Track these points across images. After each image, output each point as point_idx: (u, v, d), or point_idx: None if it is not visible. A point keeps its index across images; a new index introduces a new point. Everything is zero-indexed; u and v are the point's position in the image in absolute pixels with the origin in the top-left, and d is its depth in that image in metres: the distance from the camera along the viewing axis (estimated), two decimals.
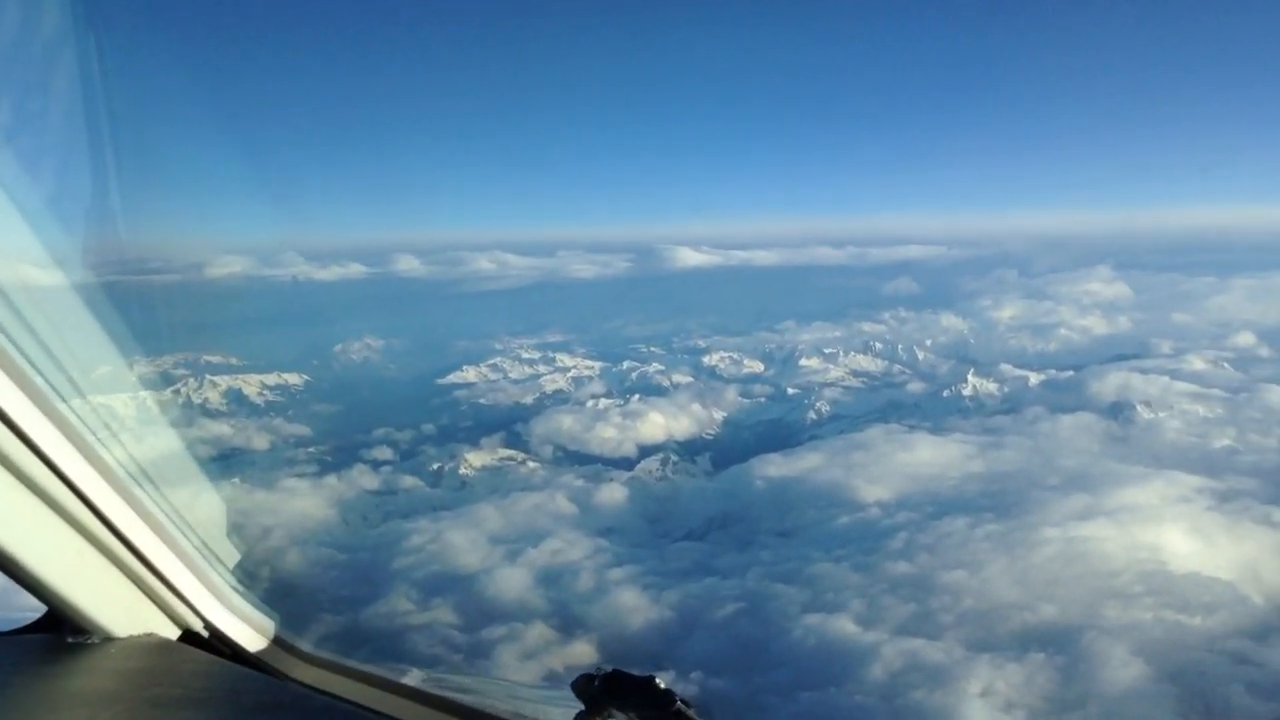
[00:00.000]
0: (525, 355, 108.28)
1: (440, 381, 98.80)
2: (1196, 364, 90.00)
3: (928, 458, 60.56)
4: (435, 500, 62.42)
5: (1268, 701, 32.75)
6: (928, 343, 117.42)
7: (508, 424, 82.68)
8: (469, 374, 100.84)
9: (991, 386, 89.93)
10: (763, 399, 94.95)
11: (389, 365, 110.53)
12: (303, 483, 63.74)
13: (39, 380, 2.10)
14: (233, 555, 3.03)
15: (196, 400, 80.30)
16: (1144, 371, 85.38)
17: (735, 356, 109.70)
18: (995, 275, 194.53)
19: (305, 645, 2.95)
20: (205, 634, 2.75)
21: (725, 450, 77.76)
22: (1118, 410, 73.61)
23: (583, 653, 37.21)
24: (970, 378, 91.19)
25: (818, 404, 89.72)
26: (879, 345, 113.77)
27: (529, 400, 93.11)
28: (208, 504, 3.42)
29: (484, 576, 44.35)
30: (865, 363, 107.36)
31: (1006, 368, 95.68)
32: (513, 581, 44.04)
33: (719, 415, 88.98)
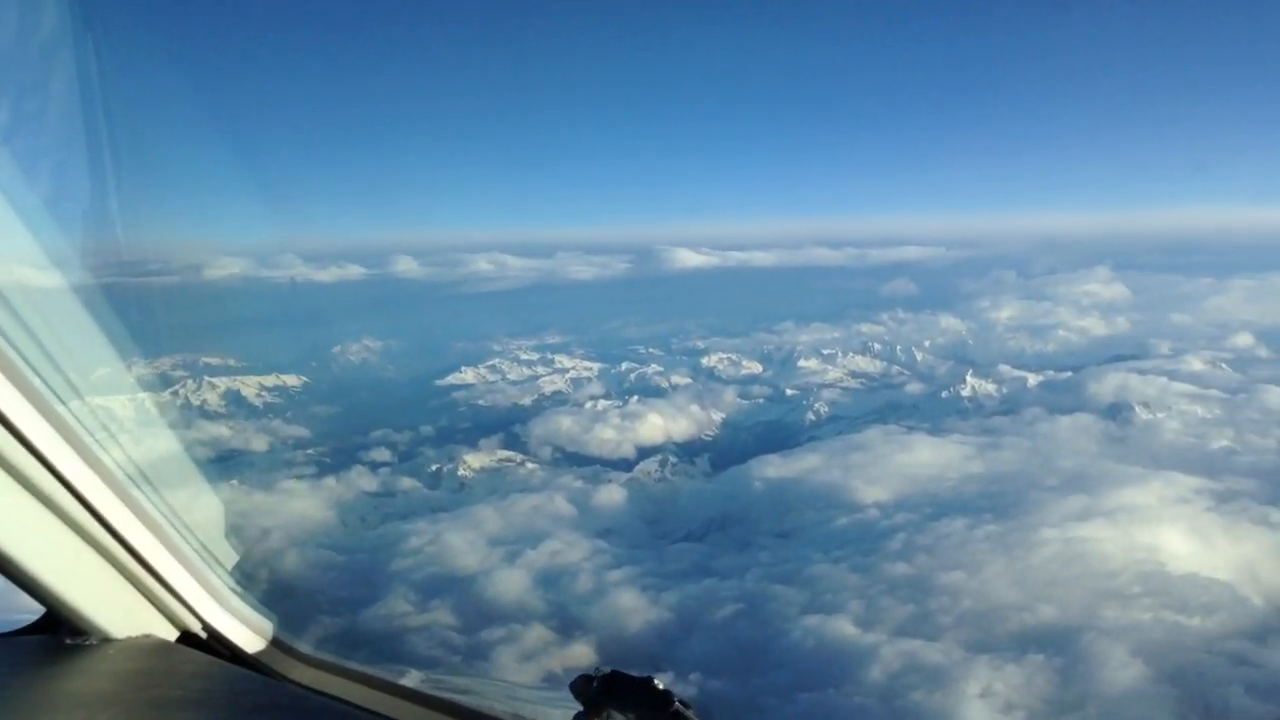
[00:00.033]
0: (524, 357, 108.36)
1: (439, 383, 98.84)
2: (1195, 365, 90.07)
3: (926, 459, 60.54)
4: (434, 502, 62.43)
5: (1266, 702, 32.74)
6: (926, 344, 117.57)
7: (506, 425, 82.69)
8: (467, 375, 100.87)
9: (990, 387, 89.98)
10: (761, 400, 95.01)
11: (387, 367, 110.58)
12: (301, 484, 63.76)
13: (37, 382, 2.10)
14: (231, 557, 3.03)
15: (195, 402, 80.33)
16: (1142, 372, 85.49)
17: (734, 358, 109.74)
18: (993, 276, 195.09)
19: (303, 646, 2.95)
20: (203, 635, 2.75)
21: (724, 451, 77.76)
22: (1116, 411, 73.58)
23: (581, 654, 37.18)
24: (969, 379, 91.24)
25: (816, 405, 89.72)
26: (877, 346, 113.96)
27: (527, 401, 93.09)
28: (206, 505, 3.42)
29: (483, 578, 44.34)
30: (864, 364, 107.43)
31: (1005, 368, 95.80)
32: (511, 583, 44.03)
33: (717, 416, 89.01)
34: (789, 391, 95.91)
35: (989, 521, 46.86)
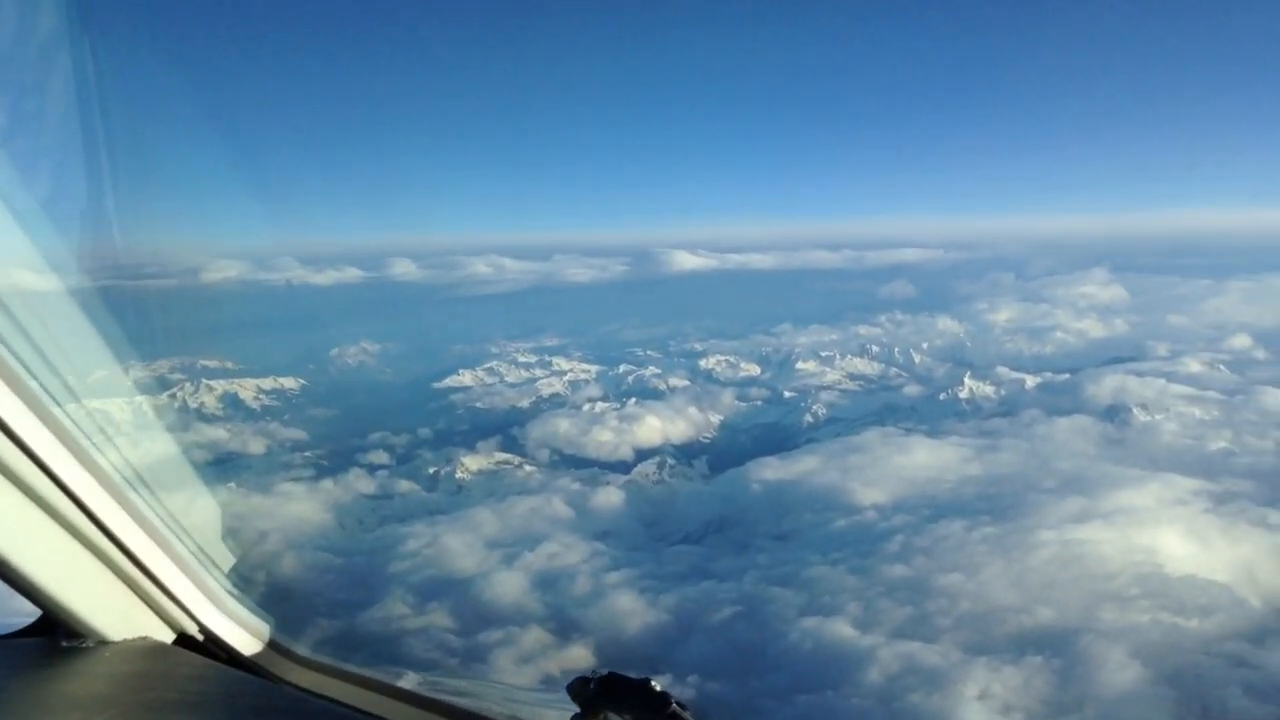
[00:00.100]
0: (521, 359, 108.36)
1: (436, 385, 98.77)
2: (1193, 366, 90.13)
3: (924, 460, 60.55)
4: (431, 504, 62.33)
5: (1265, 704, 32.76)
6: (924, 346, 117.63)
7: (504, 428, 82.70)
8: (465, 378, 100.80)
9: (988, 389, 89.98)
10: (759, 402, 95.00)
11: (385, 369, 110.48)
12: (299, 487, 63.72)
13: (34, 385, 2.10)
14: (228, 559, 3.03)
15: (192, 404, 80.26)
16: (1140, 374, 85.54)
17: (731, 360, 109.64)
18: (991, 278, 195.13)
19: (301, 649, 2.95)
20: (200, 638, 2.75)
21: (722, 453, 77.69)
22: (1114, 413, 73.63)
23: (579, 656, 37.18)
24: (966, 380, 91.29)
25: (814, 407, 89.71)
26: (875, 348, 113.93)
27: (525, 404, 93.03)
28: (203, 508, 3.42)
29: (480, 580, 44.31)
30: (862, 366, 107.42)
31: (1003, 370, 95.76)
32: (509, 585, 44.01)
33: (715, 418, 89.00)
34: (787, 394, 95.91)
35: (987, 523, 46.87)
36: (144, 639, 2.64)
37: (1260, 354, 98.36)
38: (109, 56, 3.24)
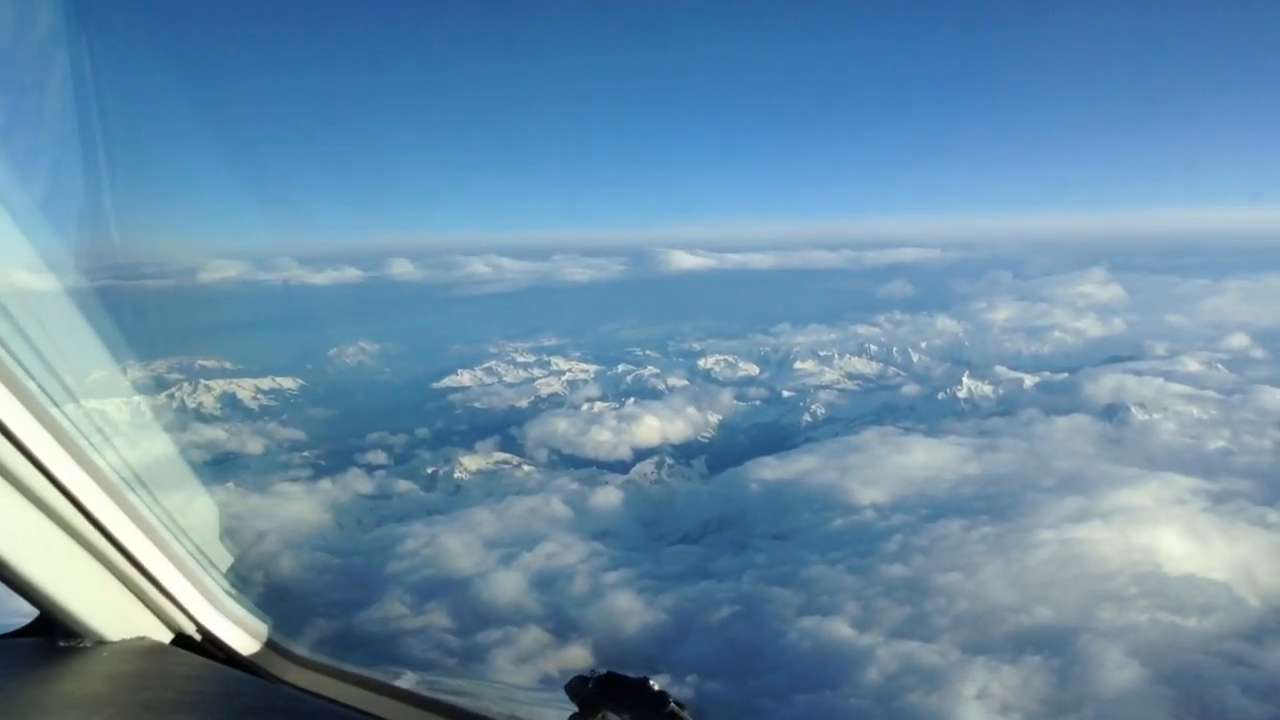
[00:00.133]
0: (520, 359, 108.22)
1: (435, 385, 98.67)
2: (1191, 365, 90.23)
3: (923, 460, 60.59)
4: (430, 504, 62.31)
5: (1263, 703, 32.81)
6: (922, 345, 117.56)
7: (502, 428, 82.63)
8: (464, 378, 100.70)
9: (986, 389, 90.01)
10: (758, 402, 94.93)
11: (383, 369, 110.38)
12: (297, 487, 63.71)
13: (32, 385, 2.10)
14: (226, 559, 3.03)
15: (191, 404, 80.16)
16: (1138, 373, 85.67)
17: (730, 359, 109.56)
18: (989, 278, 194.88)
19: (299, 649, 2.95)
20: (198, 637, 2.75)
21: (720, 453, 77.64)
22: (1112, 412, 73.69)
23: (578, 656, 37.17)
24: (965, 380, 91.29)
25: (813, 407, 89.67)
26: (874, 348, 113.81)
27: (524, 404, 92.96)
28: (201, 508, 3.42)
29: (479, 580, 44.30)
30: (860, 365, 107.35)
31: (1001, 370, 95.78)
32: (507, 585, 44.00)
33: (714, 418, 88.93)
34: (785, 393, 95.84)
35: (985, 523, 46.90)
36: (142, 639, 2.64)
37: (1258, 353, 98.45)
38: (106, 55, 3.24)
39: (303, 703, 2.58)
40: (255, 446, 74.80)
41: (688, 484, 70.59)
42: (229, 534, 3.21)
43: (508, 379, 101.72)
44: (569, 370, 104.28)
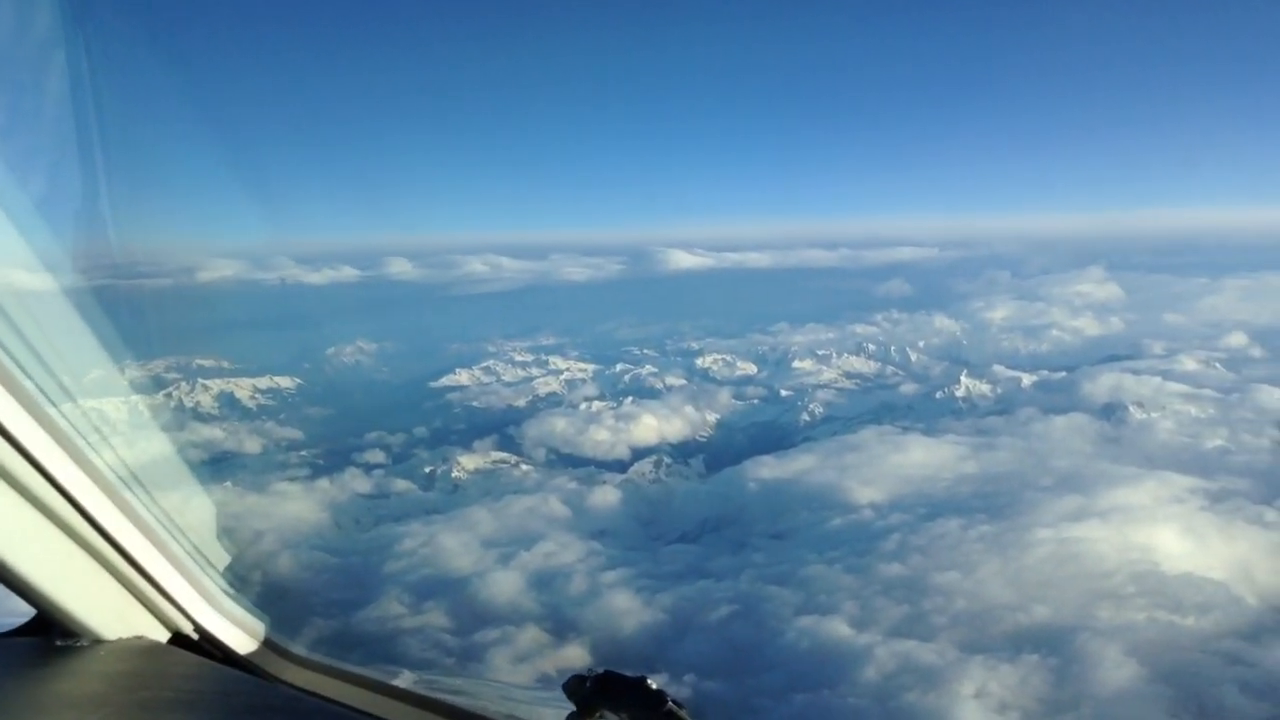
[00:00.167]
0: (518, 358, 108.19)
1: (433, 384, 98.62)
2: (1189, 364, 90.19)
3: (921, 459, 60.61)
4: (428, 503, 62.28)
5: (1261, 702, 32.82)
6: (920, 344, 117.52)
7: (500, 427, 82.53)
8: (462, 377, 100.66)
9: (984, 388, 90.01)
10: (756, 401, 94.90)
11: (381, 368, 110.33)
12: (294, 486, 63.67)
13: (29, 385, 2.10)
14: (223, 558, 3.03)
15: (188, 404, 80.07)
16: (1136, 372, 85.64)
17: (728, 358, 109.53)
18: (987, 277, 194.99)
19: (296, 648, 2.95)
20: (195, 637, 2.75)
21: (718, 452, 77.63)
22: (1110, 411, 73.71)
23: (575, 656, 37.16)
24: (963, 379, 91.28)
25: (811, 406, 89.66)
26: (872, 347, 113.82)
27: (522, 403, 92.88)
28: (199, 507, 3.42)
29: (476, 579, 44.28)
30: (858, 364, 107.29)
31: (999, 369, 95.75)
32: (505, 584, 43.98)
33: (712, 417, 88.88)
34: (784, 392, 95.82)
35: (983, 522, 46.91)
36: (139, 638, 2.64)
37: (1256, 352, 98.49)
38: (103, 54, 3.24)
39: (300, 702, 2.58)
40: (253, 446, 74.76)
41: (686, 483, 70.58)
42: (226, 533, 3.21)
43: (506, 378, 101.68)
44: (567, 369, 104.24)
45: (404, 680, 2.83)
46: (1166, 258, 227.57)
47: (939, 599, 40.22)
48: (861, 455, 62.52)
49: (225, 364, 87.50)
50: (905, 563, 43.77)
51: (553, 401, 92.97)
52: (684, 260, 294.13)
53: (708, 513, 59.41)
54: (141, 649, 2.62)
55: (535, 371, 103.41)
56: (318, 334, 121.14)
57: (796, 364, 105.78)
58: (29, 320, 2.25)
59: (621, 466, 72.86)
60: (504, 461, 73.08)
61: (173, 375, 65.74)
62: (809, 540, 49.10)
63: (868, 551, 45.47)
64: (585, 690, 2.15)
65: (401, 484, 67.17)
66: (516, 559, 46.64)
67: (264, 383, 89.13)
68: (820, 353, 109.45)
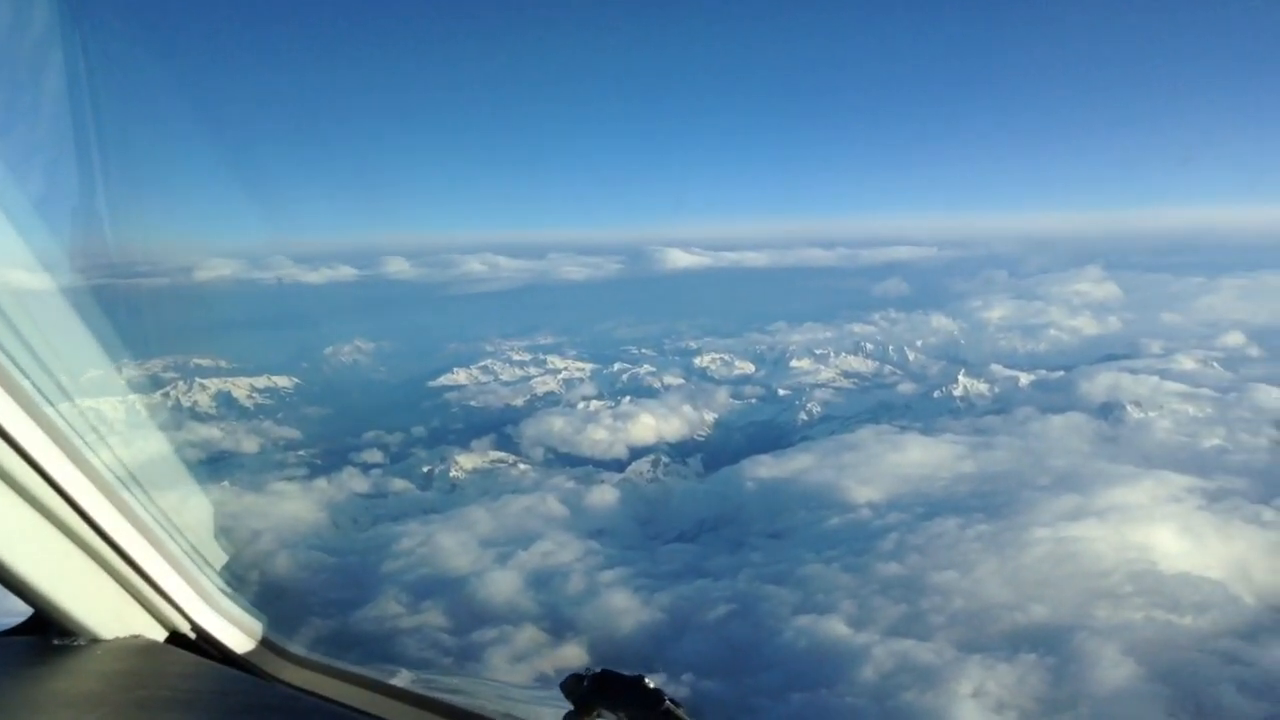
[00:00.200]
0: (516, 357, 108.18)
1: (431, 384, 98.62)
2: (1186, 364, 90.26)
3: (918, 458, 60.61)
4: (425, 503, 62.26)
5: (1258, 701, 32.83)
6: (918, 343, 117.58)
7: (498, 426, 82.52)
8: (459, 376, 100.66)
9: (982, 387, 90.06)
10: (754, 400, 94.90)
11: (379, 368, 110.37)
12: (292, 486, 63.61)
13: (27, 384, 2.10)
14: (221, 558, 3.03)
15: (186, 403, 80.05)
16: (1134, 371, 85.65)
17: (726, 358, 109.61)
18: (985, 276, 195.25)
19: (294, 648, 2.95)
20: (192, 636, 2.75)
21: (716, 452, 77.68)
22: (1108, 410, 73.76)
23: (573, 655, 37.13)
24: (961, 378, 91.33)
25: (809, 405, 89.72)
26: (869, 346, 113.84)
27: (520, 402, 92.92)
28: (196, 507, 3.42)
29: (474, 579, 44.25)
30: (856, 364, 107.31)
31: (997, 368, 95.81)
32: (503, 584, 43.96)
33: (710, 417, 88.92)
34: (781, 391, 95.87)
35: (981, 521, 46.91)
36: (136, 637, 2.64)
37: (1254, 351, 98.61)
38: (101, 53, 3.23)
39: (297, 701, 2.57)
40: (250, 445, 74.69)
41: (684, 482, 70.60)
42: (224, 532, 3.21)
43: (504, 377, 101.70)
44: (565, 368, 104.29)
45: (401, 679, 2.83)
46: (1164, 257, 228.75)
47: (937, 598, 40.22)
48: (859, 454, 62.53)
49: (223, 363, 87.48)
50: (903, 562, 43.78)
51: (550, 401, 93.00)
52: (682, 259, 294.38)
53: (705, 512, 59.41)
54: (138, 648, 2.62)
55: (533, 371, 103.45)
56: (315, 333, 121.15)
57: (794, 363, 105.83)
58: (26, 319, 2.25)
59: (619, 466, 72.90)
60: (502, 461, 73.07)
61: (170, 375, 65.77)
62: (807, 539, 49.10)
63: (865, 551, 45.47)
64: (583, 689, 2.15)
65: (399, 483, 67.15)
66: (514, 558, 46.62)
67: (261, 382, 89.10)
68: (818, 352, 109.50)
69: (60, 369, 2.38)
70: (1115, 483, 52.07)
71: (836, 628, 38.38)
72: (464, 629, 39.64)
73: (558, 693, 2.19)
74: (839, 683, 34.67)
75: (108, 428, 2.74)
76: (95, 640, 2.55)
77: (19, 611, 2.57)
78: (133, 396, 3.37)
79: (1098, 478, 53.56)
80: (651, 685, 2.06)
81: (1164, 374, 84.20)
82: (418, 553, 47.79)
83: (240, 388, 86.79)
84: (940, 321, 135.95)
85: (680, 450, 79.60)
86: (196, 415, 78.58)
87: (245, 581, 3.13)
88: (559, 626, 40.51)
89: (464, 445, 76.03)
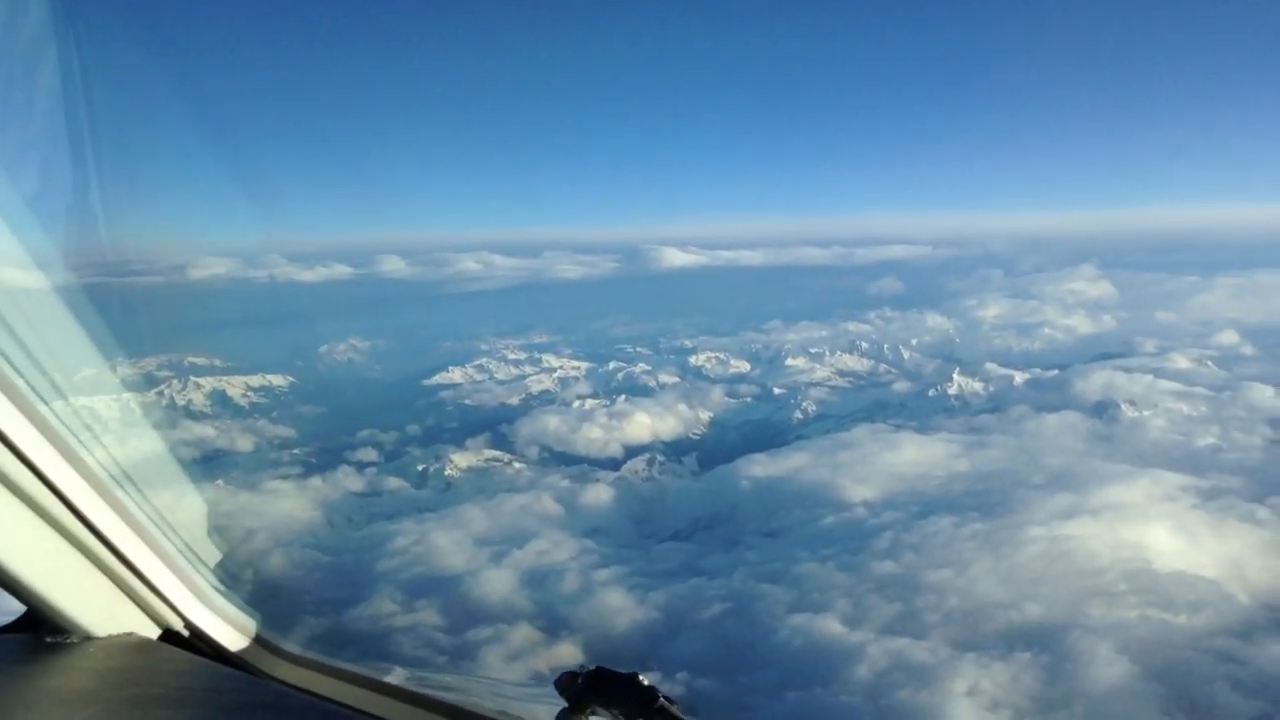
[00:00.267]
0: (511, 356, 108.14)
1: (426, 382, 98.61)
2: (1180, 362, 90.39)
3: (913, 457, 60.65)
4: (420, 501, 62.25)
5: (1252, 699, 32.88)
6: (913, 342, 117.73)
7: (493, 425, 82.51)
8: (454, 375, 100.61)
9: (977, 385, 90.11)
10: (749, 399, 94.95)
11: (374, 366, 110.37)
12: (287, 484, 63.57)
13: (20, 382, 2.10)
14: (215, 556, 3.02)
15: (180, 402, 80.00)
16: (1128, 370, 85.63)
17: (721, 356, 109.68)
18: (980, 275, 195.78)
19: (288, 646, 2.94)
20: (186, 633, 2.74)
21: (711, 450, 77.71)
22: (1102, 409, 73.84)
23: (568, 654, 37.12)
24: (956, 377, 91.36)
25: (804, 404, 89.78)
26: (865, 345, 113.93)
27: (515, 401, 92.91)
28: (190, 505, 3.41)
29: (469, 578, 44.23)
30: (851, 362, 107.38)
31: (992, 367, 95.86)
32: (498, 583, 43.94)
33: (705, 415, 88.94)
34: (777, 390, 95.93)
35: (976, 519, 46.95)
36: (129, 635, 2.63)
37: (1248, 350, 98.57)
38: (94, 50, 3.23)
39: (290, 698, 2.57)
40: (245, 444, 74.67)
41: (679, 481, 70.60)
42: (218, 531, 3.20)
43: (499, 376, 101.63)
44: (560, 367, 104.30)
45: (396, 677, 2.83)
46: (1159, 256, 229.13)
47: (931, 597, 40.26)
48: (854, 453, 62.56)
49: (217, 362, 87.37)
50: (898, 560, 43.80)
51: (546, 399, 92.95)
52: (677, 258, 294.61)
53: (701, 511, 59.43)
54: (132, 645, 2.61)
55: (528, 369, 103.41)
56: (310, 332, 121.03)
57: (789, 362, 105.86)
58: (20, 317, 2.25)
59: (614, 464, 72.87)
60: (497, 459, 73.06)
61: (165, 373, 65.64)
62: (802, 538, 49.11)
63: (860, 549, 45.49)
64: (577, 687, 2.15)
65: (394, 482, 67.12)
66: (509, 557, 46.61)
67: (256, 381, 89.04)
68: (813, 350, 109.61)
69: (54, 367, 2.38)
70: (1110, 481, 52.11)
71: (831, 626, 38.40)
72: (459, 627, 39.63)
73: (552, 690, 2.19)
74: (834, 681, 34.69)
75: (102, 426, 2.74)
76: (88, 638, 2.55)
77: (12, 610, 2.57)
78: (127, 395, 3.36)
79: (1092, 476, 53.60)
80: (646, 683, 2.06)
81: (1158, 373, 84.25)
82: (412, 551, 47.78)
83: (235, 386, 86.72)
84: (935, 320, 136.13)
85: (675, 449, 79.61)
86: (191, 413, 78.51)
87: (239, 579, 3.13)
88: (554, 625, 40.51)
89: (459, 444, 76.06)
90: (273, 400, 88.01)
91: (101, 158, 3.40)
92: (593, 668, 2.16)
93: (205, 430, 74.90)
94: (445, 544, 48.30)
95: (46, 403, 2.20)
